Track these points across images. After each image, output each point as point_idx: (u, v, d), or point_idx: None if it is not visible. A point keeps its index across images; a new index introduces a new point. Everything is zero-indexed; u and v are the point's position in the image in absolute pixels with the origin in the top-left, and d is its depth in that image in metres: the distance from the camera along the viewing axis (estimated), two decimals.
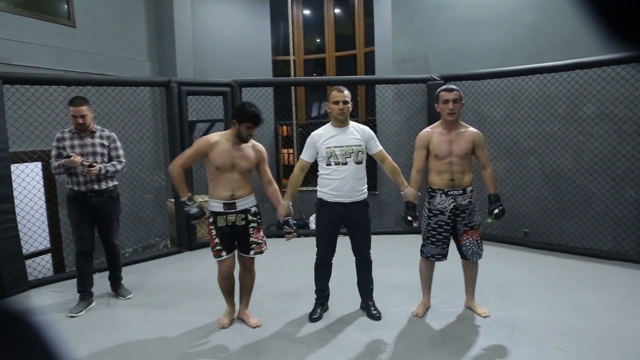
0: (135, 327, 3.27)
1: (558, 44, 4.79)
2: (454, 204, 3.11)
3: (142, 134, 5.54)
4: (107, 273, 3.93)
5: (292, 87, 6.99)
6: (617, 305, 3.34)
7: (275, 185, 3.25)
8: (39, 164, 4.93)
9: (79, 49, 5.33)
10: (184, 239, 5.17)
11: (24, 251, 4.06)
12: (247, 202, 3.09)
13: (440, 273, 3.42)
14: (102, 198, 3.58)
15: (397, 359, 2.75)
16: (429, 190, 3.20)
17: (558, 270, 4.21)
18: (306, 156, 3.18)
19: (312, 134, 3.20)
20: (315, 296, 3.36)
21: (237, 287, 3.27)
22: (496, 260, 4.36)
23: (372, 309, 3.30)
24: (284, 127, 7.37)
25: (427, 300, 3.36)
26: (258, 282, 3.30)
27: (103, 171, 3.49)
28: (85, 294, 3.60)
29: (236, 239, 3.12)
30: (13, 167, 4.06)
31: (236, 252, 3.16)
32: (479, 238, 3.19)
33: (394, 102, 6.04)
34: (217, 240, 3.05)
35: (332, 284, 3.38)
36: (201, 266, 4.53)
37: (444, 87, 3.17)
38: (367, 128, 3.24)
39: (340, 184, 3.09)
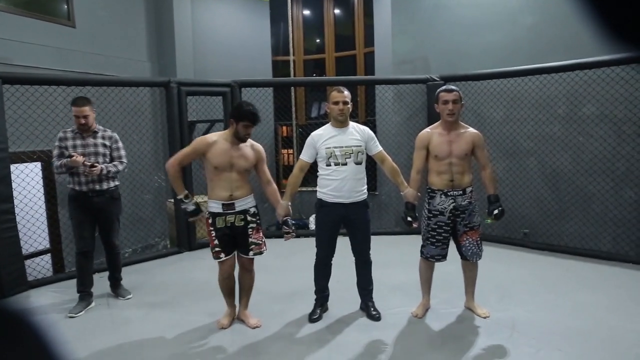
0: (134, 327, 3.27)
1: (558, 44, 4.79)
2: (454, 204, 3.11)
3: (142, 134, 5.53)
4: (106, 273, 3.94)
5: (292, 87, 6.99)
6: (617, 306, 3.34)
7: (274, 185, 3.25)
8: (38, 164, 4.93)
9: (79, 49, 5.33)
10: (184, 239, 5.17)
11: (24, 251, 4.06)
12: (246, 203, 3.09)
13: (440, 274, 3.42)
14: (104, 198, 3.59)
15: (396, 359, 2.75)
16: (429, 190, 3.20)
17: (558, 270, 4.21)
18: (306, 156, 3.18)
19: (312, 134, 3.20)
20: (314, 297, 3.36)
21: (237, 287, 3.27)
22: (496, 260, 4.36)
23: (372, 309, 3.30)
24: (284, 128, 7.37)
25: (427, 300, 3.36)
26: (257, 283, 3.30)
27: (105, 171, 3.50)
28: (85, 294, 3.60)
29: (235, 240, 3.11)
30: (13, 167, 4.06)
31: (236, 252, 3.16)
32: (478, 239, 3.19)
33: (394, 102, 6.04)
34: (216, 241, 3.05)
35: (331, 284, 3.38)
36: (201, 266, 4.53)
37: (444, 87, 3.17)
38: (367, 128, 3.24)
39: (340, 184, 3.09)
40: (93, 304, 3.64)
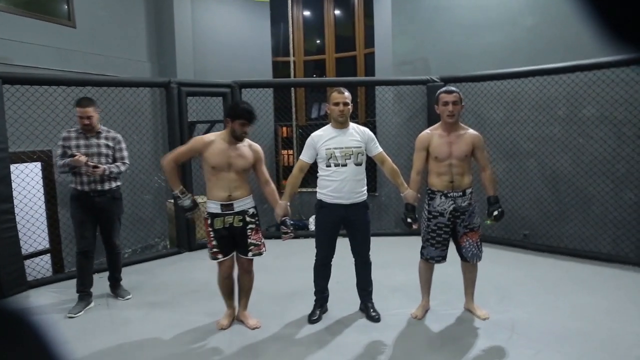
0: (134, 327, 3.26)
1: (558, 46, 4.79)
2: (454, 205, 3.11)
3: (142, 134, 5.53)
4: (106, 274, 3.94)
5: (292, 88, 6.98)
6: (616, 308, 3.34)
7: (273, 185, 3.24)
8: (38, 164, 4.93)
9: (79, 49, 5.33)
10: (184, 239, 5.17)
11: (23, 251, 4.06)
12: (245, 203, 3.09)
13: (439, 275, 3.42)
14: (105, 198, 3.60)
15: None
16: (429, 192, 3.20)
17: (557, 272, 4.21)
18: (305, 157, 3.18)
19: (312, 135, 3.20)
20: (314, 298, 3.36)
21: (236, 288, 3.27)
22: (496, 262, 4.36)
23: (371, 310, 3.30)
24: (284, 128, 7.36)
25: (427, 302, 3.36)
26: (257, 283, 3.30)
27: (107, 172, 3.53)
28: (85, 294, 3.60)
29: (234, 241, 3.11)
30: (13, 167, 4.06)
31: (235, 253, 3.16)
32: (478, 240, 3.19)
33: (394, 103, 6.04)
34: (214, 242, 3.05)
35: (331, 285, 3.38)
36: (200, 267, 4.53)
37: (444, 89, 3.17)
38: (367, 129, 3.24)
39: (340, 185, 3.09)
40: (92, 304, 3.64)
